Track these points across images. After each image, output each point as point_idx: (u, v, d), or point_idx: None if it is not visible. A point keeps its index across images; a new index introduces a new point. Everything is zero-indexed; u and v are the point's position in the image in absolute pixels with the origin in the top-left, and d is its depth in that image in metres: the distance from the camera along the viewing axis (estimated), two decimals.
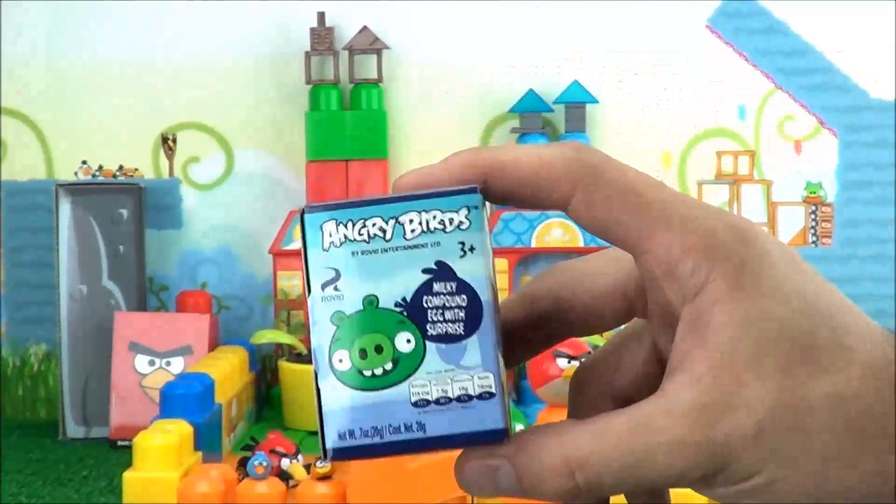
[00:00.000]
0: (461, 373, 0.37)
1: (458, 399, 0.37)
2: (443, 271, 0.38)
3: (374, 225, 0.38)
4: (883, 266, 1.80)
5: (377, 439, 0.37)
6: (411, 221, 0.38)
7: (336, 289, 0.37)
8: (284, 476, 1.29)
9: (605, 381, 0.42)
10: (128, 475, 1.23)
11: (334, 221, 0.38)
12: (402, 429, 0.37)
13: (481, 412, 0.37)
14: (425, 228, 0.38)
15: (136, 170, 1.81)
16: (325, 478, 1.24)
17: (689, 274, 0.37)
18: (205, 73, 1.79)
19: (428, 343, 0.37)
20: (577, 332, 0.42)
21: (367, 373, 0.37)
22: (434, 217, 0.38)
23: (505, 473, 0.37)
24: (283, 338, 1.67)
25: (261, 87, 1.80)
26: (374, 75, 1.75)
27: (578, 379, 0.43)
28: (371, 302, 0.38)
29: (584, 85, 1.76)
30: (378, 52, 1.75)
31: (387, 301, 0.37)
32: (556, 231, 1.72)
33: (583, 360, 0.44)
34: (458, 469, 0.38)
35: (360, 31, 1.76)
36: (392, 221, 0.38)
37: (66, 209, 1.68)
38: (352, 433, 0.37)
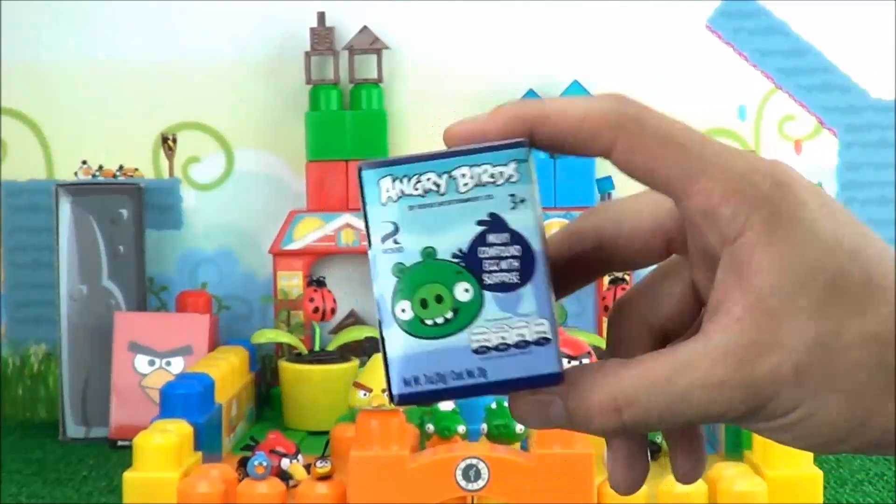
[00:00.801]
0: (518, 320, 0.39)
1: (516, 345, 0.39)
2: (496, 223, 0.39)
3: (428, 180, 0.39)
4: None
5: (441, 385, 0.39)
6: (463, 176, 0.39)
7: (395, 241, 0.39)
8: (284, 476, 1.29)
9: (643, 315, 0.44)
10: (128, 475, 1.23)
11: (390, 177, 0.39)
12: (465, 375, 0.39)
13: (538, 357, 0.39)
14: (477, 182, 0.39)
15: (136, 170, 1.81)
16: (325, 478, 1.24)
17: (729, 219, 0.38)
18: (205, 73, 1.80)
19: (485, 292, 0.39)
20: (617, 267, 0.44)
21: (429, 322, 0.39)
22: (485, 171, 0.39)
23: (557, 408, 0.40)
24: (284, 337, 1.67)
25: (261, 87, 1.80)
26: (374, 75, 1.75)
27: (617, 313, 0.45)
28: (429, 253, 0.39)
29: (584, 85, 1.76)
30: (378, 52, 1.75)
31: (444, 252, 0.39)
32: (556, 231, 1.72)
33: (621, 299, 0.45)
34: (512, 403, 0.40)
35: (360, 31, 1.76)
36: (445, 176, 0.39)
37: (66, 209, 1.68)
38: (416, 379, 0.39)
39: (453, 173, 0.39)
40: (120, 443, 1.59)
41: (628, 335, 0.44)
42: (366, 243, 0.40)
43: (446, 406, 1.35)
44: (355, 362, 1.65)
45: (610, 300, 1.65)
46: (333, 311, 1.66)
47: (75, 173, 1.80)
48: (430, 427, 1.37)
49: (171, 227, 1.81)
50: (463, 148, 0.40)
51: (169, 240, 1.81)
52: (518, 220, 0.39)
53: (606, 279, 1.69)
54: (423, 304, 0.39)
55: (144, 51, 1.79)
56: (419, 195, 0.39)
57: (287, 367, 1.64)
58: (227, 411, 1.48)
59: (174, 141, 1.81)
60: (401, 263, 0.39)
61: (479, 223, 0.39)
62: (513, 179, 0.39)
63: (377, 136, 1.74)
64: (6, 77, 1.79)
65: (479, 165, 0.39)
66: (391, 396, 0.39)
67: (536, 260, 0.39)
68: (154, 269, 1.79)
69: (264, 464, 1.23)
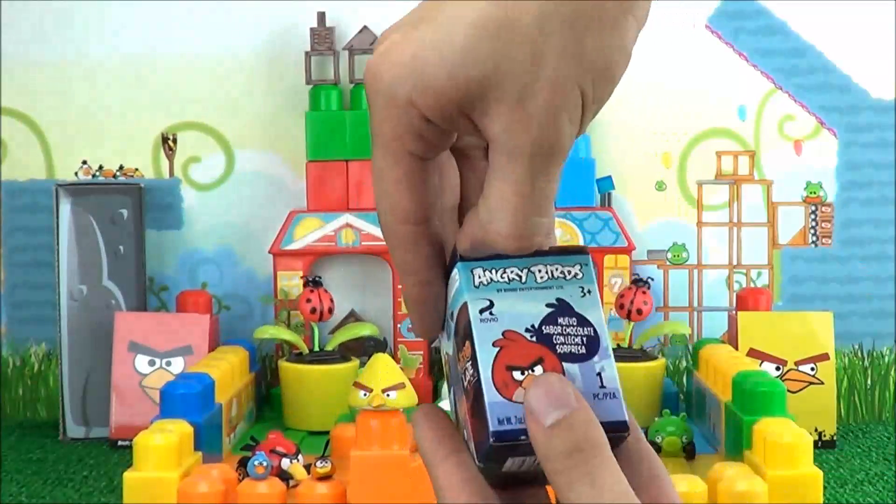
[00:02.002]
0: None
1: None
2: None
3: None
4: (883, 266, 1.80)
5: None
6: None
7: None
8: (284, 476, 1.29)
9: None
10: (128, 475, 1.23)
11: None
12: None
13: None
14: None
15: (137, 170, 1.81)
16: (325, 478, 1.24)
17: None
18: (205, 73, 1.80)
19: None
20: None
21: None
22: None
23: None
24: (286, 334, 1.67)
25: (261, 87, 1.80)
26: None
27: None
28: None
29: None
30: None
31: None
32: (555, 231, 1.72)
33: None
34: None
35: (360, 31, 1.76)
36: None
37: (66, 209, 1.68)
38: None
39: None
40: (120, 443, 1.60)
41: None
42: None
43: (446, 406, 1.35)
44: (355, 362, 1.65)
45: (627, 301, 1.63)
46: (331, 311, 1.66)
47: (75, 173, 1.80)
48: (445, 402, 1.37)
49: (171, 227, 1.81)
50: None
51: (169, 240, 1.81)
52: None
53: (628, 279, 1.67)
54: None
55: (145, 51, 1.79)
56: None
57: (287, 367, 1.64)
58: (227, 411, 1.48)
59: (174, 141, 1.81)
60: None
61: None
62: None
63: None
64: (6, 77, 1.79)
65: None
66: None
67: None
68: (154, 269, 1.79)
69: (264, 464, 1.23)
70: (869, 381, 1.80)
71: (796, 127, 1.82)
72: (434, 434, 0.47)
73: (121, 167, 1.81)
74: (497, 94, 0.42)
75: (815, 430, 1.59)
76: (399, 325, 1.74)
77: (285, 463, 1.31)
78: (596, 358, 0.46)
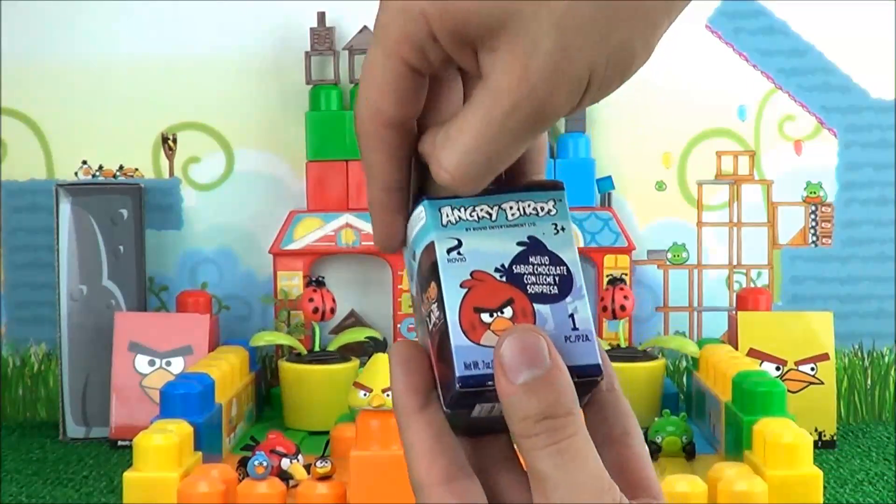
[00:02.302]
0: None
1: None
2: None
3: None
4: (883, 266, 1.80)
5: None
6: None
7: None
8: (284, 476, 1.29)
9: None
10: (128, 475, 1.23)
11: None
12: None
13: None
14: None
15: (137, 170, 1.81)
16: (325, 478, 1.24)
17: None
18: (205, 73, 1.80)
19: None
20: None
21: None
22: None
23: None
24: (282, 339, 1.67)
25: (261, 87, 1.80)
26: None
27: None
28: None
29: None
30: None
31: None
32: None
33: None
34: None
35: (360, 31, 1.76)
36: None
37: (66, 209, 1.68)
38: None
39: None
40: (120, 443, 1.60)
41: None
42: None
43: None
44: (355, 362, 1.65)
45: (608, 300, 1.64)
46: (333, 310, 1.66)
47: (75, 173, 1.80)
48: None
49: (171, 227, 1.81)
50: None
51: (169, 240, 1.81)
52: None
53: (605, 280, 1.68)
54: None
55: (144, 51, 1.79)
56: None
57: (287, 367, 1.64)
58: (227, 411, 1.48)
59: (174, 141, 1.81)
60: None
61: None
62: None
63: None
64: (6, 77, 1.79)
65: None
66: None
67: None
68: (154, 269, 1.79)
69: (264, 464, 1.23)
70: (869, 381, 1.80)
71: (796, 127, 1.82)
72: (407, 381, 0.45)
73: (121, 167, 1.81)
74: (508, 39, 0.41)
75: (815, 430, 1.59)
76: (399, 325, 1.74)
77: (285, 463, 1.31)
78: (569, 298, 0.44)
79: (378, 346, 1.75)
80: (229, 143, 1.81)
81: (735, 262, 1.83)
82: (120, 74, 1.80)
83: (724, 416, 1.42)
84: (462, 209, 0.45)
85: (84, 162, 1.81)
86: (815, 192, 1.81)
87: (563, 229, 0.45)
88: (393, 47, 0.44)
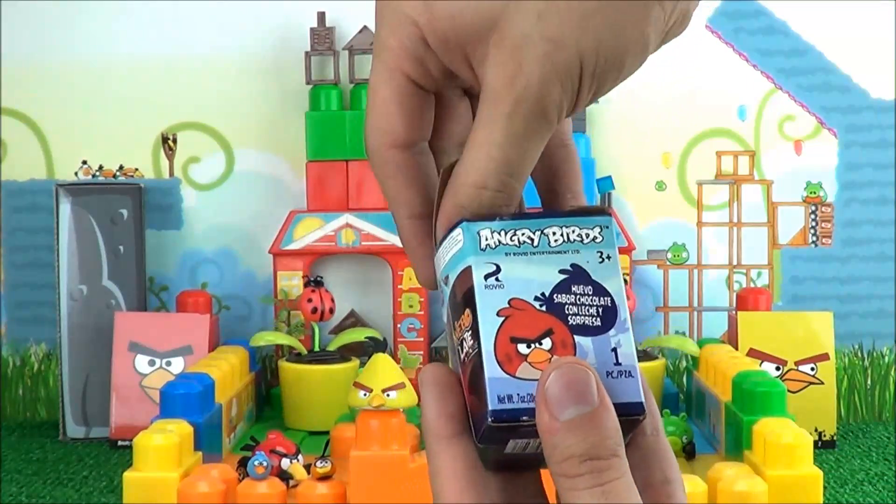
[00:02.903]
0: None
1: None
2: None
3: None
4: (883, 266, 1.80)
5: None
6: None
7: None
8: (284, 476, 1.29)
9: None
10: (128, 475, 1.23)
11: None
12: None
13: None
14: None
15: (136, 170, 1.81)
16: (325, 478, 1.24)
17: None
18: (205, 73, 1.80)
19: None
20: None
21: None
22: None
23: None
24: (282, 339, 1.67)
25: (261, 87, 1.80)
26: None
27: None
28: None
29: None
30: None
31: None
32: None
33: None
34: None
35: (360, 31, 1.76)
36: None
37: (66, 209, 1.68)
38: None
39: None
40: (120, 443, 1.60)
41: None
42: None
43: None
44: (355, 362, 1.65)
45: None
46: (332, 310, 1.66)
47: (75, 173, 1.80)
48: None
49: (171, 227, 1.81)
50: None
51: (169, 240, 1.81)
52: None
53: (629, 280, 1.67)
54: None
55: (144, 51, 1.79)
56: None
57: (287, 367, 1.64)
58: (227, 411, 1.48)
59: (174, 141, 1.81)
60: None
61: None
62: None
63: None
64: (6, 77, 1.79)
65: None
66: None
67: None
68: (154, 269, 1.79)
69: (264, 464, 1.23)
70: (869, 381, 1.80)
71: (796, 127, 1.82)
72: (440, 407, 0.43)
73: (121, 167, 1.81)
74: (497, 40, 0.41)
75: (815, 430, 1.59)
76: (399, 325, 1.74)
77: (285, 463, 1.31)
78: (612, 331, 0.42)
79: (378, 346, 1.75)
80: (229, 143, 1.81)
81: (735, 262, 1.83)
82: (120, 74, 1.80)
83: (724, 416, 1.42)
84: (503, 233, 0.43)
85: (84, 162, 1.81)
86: (815, 192, 1.81)
87: (608, 258, 0.43)
88: (393, 62, 0.43)
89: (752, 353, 1.61)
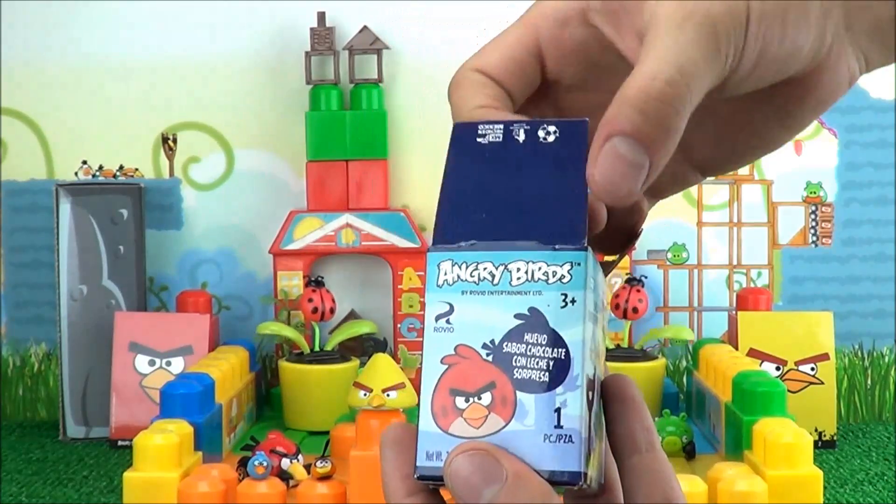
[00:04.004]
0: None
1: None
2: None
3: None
4: (883, 266, 1.80)
5: None
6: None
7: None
8: (284, 476, 1.29)
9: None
10: (128, 475, 1.23)
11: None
12: None
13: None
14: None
15: (136, 170, 1.81)
16: (325, 478, 1.24)
17: None
18: (205, 73, 1.80)
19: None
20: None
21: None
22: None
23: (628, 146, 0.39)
24: (287, 331, 1.67)
25: (261, 87, 1.80)
26: (374, 75, 1.75)
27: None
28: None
29: None
30: (378, 52, 1.75)
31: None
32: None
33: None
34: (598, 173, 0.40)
35: (360, 31, 1.76)
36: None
37: (66, 209, 1.68)
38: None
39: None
40: (120, 443, 1.60)
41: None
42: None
43: None
44: (355, 362, 1.65)
45: (622, 300, 1.63)
46: (332, 311, 1.66)
47: (75, 173, 1.80)
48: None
49: (171, 227, 1.81)
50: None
51: (169, 240, 1.81)
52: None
53: (623, 279, 1.67)
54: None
55: (144, 51, 1.79)
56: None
57: (287, 367, 1.64)
58: (227, 411, 1.48)
59: (174, 141, 1.81)
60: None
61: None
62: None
63: (377, 136, 1.74)
64: (6, 77, 1.79)
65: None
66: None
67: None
68: (154, 269, 1.79)
69: (264, 464, 1.23)
70: (869, 381, 1.80)
71: None
72: (395, 467, 0.41)
73: (121, 167, 1.81)
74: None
75: (815, 430, 1.59)
76: (399, 325, 1.74)
77: (285, 463, 1.31)
78: (560, 388, 0.38)
79: (378, 345, 1.75)
80: (229, 143, 1.81)
81: (735, 262, 1.83)
82: (120, 74, 1.80)
83: (724, 416, 1.42)
84: (463, 266, 0.40)
85: (84, 162, 1.81)
86: (815, 192, 1.81)
87: (573, 301, 0.39)
88: (534, 19, 0.43)
89: (752, 353, 1.61)
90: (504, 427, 0.39)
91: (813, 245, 1.82)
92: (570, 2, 0.42)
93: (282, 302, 1.73)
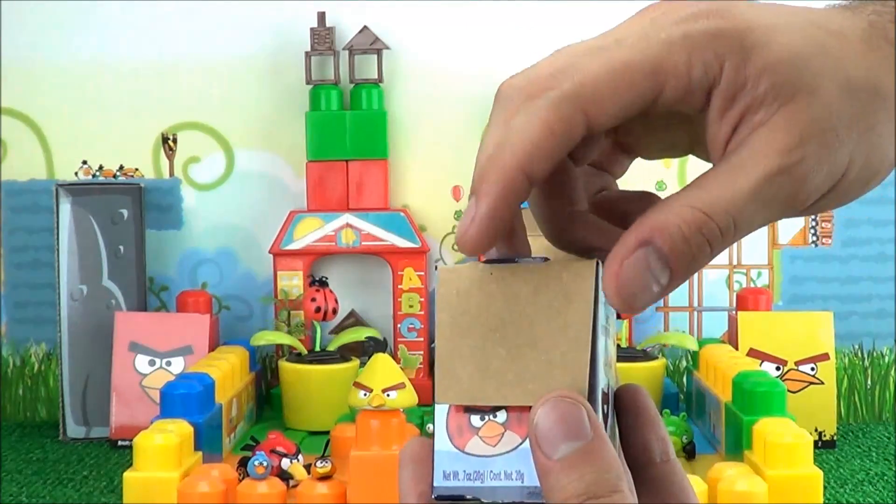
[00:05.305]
0: None
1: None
2: None
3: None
4: (883, 266, 1.80)
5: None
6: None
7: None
8: (284, 476, 1.29)
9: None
10: (128, 475, 1.23)
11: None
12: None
13: None
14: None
15: (137, 170, 1.81)
16: (325, 478, 1.24)
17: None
18: (205, 73, 1.80)
19: None
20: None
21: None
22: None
23: (652, 256, 0.39)
24: (283, 338, 1.67)
25: (261, 87, 1.80)
26: (374, 75, 1.75)
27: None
28: None
29: None
30: (378, 53, 1.75)
31: None
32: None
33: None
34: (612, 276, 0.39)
35: (360, 31, 1.76)
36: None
37: (66, 209, 1.68)
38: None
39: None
40: (120, 443, 1.60)
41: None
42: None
43: None
44: (355, 362, 1.65)
45: None
46: (335, 311, 1.66)
47: (75, 173, 1.80)
48: (431, 427, 1.37)
49: (171, 227, 1.81)
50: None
51: (169, 240, 1.81)
52: None
53: None
54: None
55: (144, 51, 1.79)
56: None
57: (287, 367, 1.64)
58: (228, 411, 1.48)
59: (174, 141, 1.81)
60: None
61: None
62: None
63: (377, 136, 1.74)
64: (6, 77, 1.79)
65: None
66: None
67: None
68: (154, 269, 1.79)
69: (264, 464, 1.23)
70: (869, 381, 1.80)
71: None
72: (412, 485, 0.41)
73: (121, 167, 1.81)
74: (790, 111, 0.40)
75: (815, 430, 1.59)
76: (399, 325, 1.74)
77: (285, 463, 1.31)
78: None
79: (378, 345, 1.75)
80: (229, 143, 1.81)
81: (735, 262, 1.83)
82: (120, 74, 1.80)
83: (724, 416, 1.42)
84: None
85: (84, 162, 1.81)
86: None
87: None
88: (566, 99, 0.40)
89: (752, 353, 1.61)
90: (520, 444, 0.39)
91: (813, 245, 1.82)
92: (706, 66, 0.40)
93: (282, 302, 1.73)
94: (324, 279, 1.67)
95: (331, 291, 1.66)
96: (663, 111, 0.41)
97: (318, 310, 1.64)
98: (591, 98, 0.40)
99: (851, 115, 0.40)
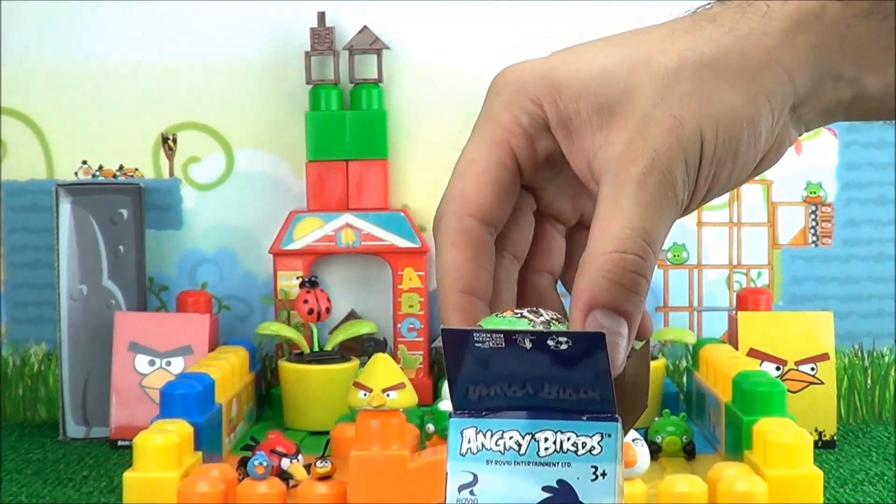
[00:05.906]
0: None
1: None
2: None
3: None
4: (883, 266, 1.80)
5: None
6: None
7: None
8: (284, 476, 1.29)
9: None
10: (128, 475, 1.23)
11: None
12: None
13: None
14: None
15: (136, 170, 1.81)
16: (325, 478, 1.24)
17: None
18: (205, 73, 1.80)
19: None
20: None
21: None
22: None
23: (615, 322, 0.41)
24: (288, 331, 1.67)
25: (261, 87, 1.80)
26: (374, 75, 1.75)
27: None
28: None
29: None
30: (378, 53, 1.75)
31: None
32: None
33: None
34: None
35: (360, 31, 1.76)
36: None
37: (66, 209, 1.68)
38: None
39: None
40: (120, 443, 1.60)
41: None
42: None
43: (447, 406, 1.35)
44: (355, 362, 1.65)
45: None
46: (328, 310, 1.66)
47: (75, 173, 1.80)
48: (431, 427, 1.37)
49: (171, 227, 1.81)
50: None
51: (169, 240, 1.81)
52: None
53: None
54: None
55: (144, 51, 1.79)
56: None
57: (287, 367, 1.64)
58: (227, 411, 1.48)
59: (174, 141, 1.81)
60: None
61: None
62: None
63: (377, 136, 1.74)
64: (6, 77, 1.79)
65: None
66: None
67: None
68: (154, 269, 1.79)
69: (264, 464, 1.23)
70: (869, 381, 1.80)
71: None
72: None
73: (121, 167, 1.81)
74: (620, 120, 0.42)
75: (815, 430, 1.59)
76: (399, 325, 1.74)
77: (285, 463, 1.31)
78: None
79: (378, 346, 1.75)
80: (229, 143, 1.81)
81: (735, 262, 1.83)
82: (120, 74, 1.80)
83: (724, 416, 1.42)
84: (488, 434, 0.38)
85: (84, 162, 1.81)
86: (815, 192, 1.81)
87: (603, 474, 0.38)
88: (501, 136, 0.44)
89: (752, 353, 1.61)
90: None
91: (813, 245, 1.82)
92: (531, 115, 0.44)
93: (282, 302, 1.73)
94: (314, 279, 1.66)
95: (322, 291, 1.66)
96: (552, 175, 0.45)
97: (310, 311, 1.64)
98: (475, 204, 0.44)
99: (682, 93, 0.42)
